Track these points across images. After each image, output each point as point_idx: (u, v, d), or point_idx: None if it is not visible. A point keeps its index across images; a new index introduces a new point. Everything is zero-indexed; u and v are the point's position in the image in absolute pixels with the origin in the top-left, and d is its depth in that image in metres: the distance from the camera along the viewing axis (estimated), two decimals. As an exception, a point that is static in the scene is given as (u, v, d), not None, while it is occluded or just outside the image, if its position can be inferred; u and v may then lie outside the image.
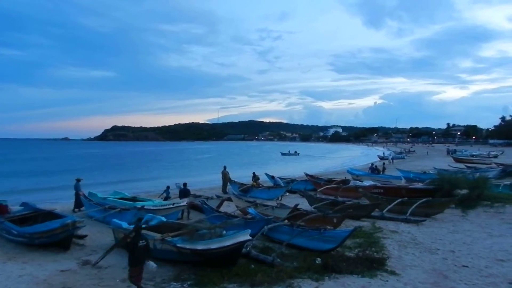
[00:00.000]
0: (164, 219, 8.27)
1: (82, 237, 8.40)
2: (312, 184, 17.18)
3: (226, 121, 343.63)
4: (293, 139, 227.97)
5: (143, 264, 5.30)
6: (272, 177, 18.86)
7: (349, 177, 19.65)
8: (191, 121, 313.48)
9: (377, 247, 7.27)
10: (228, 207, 12.19)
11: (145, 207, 9.91)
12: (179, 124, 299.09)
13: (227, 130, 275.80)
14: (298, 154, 65.25)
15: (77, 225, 7.82)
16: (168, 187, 13.56)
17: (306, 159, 54.18)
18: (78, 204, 12.36)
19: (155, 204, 10.74)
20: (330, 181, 17.51)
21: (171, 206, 10.55)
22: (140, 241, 5.31)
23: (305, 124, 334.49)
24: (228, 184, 17.40)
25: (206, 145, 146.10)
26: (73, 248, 7.83)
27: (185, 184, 12.53)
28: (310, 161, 51.05)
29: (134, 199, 12.24)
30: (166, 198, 13.01)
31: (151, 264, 5.37)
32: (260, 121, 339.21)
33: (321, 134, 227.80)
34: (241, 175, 20.89)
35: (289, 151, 68.46)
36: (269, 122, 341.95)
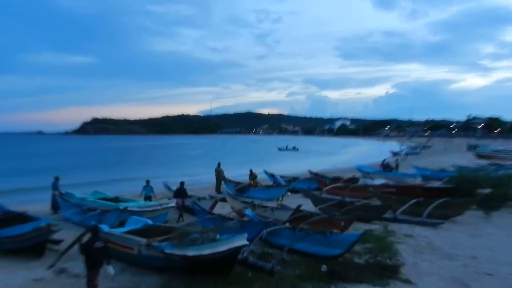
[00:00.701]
0: (150, 221, 8.25)
1: (58, 242, 8.30)
2: (316, 183, 17.24)
3: (220, 112, 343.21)
4: (295, 133, 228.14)
5: (100, 268, 5.45)
6: (272, 175, 18.91)
7: (358, 175, 19.70)
8: (181, 113, 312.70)
9: (390, 253, 7.25)
10: (222, 209, 12.17)
11: (128, 208, 9.86)
12: (168, 116, 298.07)
13: (221, 122, 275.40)
14: (297, 149, 65.49)
15: (52, 229, 7.78)
16: (147, 182, 13.38)
17: (310, 155, 54.30)
18: (55, 205, 12.28)
19: (140, 205, 10.73)
20: (336, 179, 17.56)
21: (158, 207, 10.54)
22: (97, 243, 5.47)
23: (308, 116, 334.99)
24: (223, 183, 17.44)
25: (198, 139, 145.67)
26: (47, 254, 7.75)
27: (182, 184, 12.41)
28: (314, 157, 51.09)
29: (116, 199, 12.19)
30: (148, 198, 12.98)
31: (109, 269, 5.49)
32: (258, 113, 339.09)
33: (327, 127, 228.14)
34: (237, 173, 20.81)
35: (287, 146, 68.60)
36: (268, 114, 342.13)
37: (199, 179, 22.48)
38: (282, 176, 18.83)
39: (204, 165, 35.42)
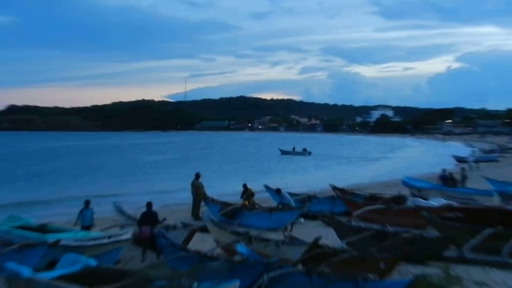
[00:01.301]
0: (93, 261, 8.24)
1: None
2: (343, 204, 17.29)
3: (199, 97, 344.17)
4: (311, 128, 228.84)
5: None
6: (277, 192, 18.79)
7: (405, 191, 19.78)
8: (140, 98, 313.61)
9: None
10: (202, 243, 12.21)
11: (62, 242, 9.87)
12: (121, 102, 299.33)
13: (201, 112, 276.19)
14: (310, 153, 66.21)
15: None
16: (87, 204, 13.51)
17: (332, 162, 54.49)
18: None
19: (78, 237, 10.75)
20: (373, 198, 17.62)
21: (106, 240, 10.58)
22: None
23: (331, 103, 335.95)
24: (202, 203, 17.48)
25: (167, 137, 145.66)
26: None
27: (149, 205, 12.53)
28: (339, 165, 51.19)
29: (43, 228, 12.21)
30: (86, 228, 13.12)
31: None
32: (256, 98, 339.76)
33: (358, 119, 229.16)
34: (225, 189, 20.80)
35: (293, 148, 69.10)
36: (272, 100, 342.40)
37: (168, 198, 22.60)
38: (292, 194, 18.72)
39: (175, 177, 35.12)
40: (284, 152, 67.94)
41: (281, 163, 53.14)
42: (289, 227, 14.83)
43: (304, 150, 67.88)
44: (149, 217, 12.21)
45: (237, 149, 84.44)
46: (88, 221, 13.39)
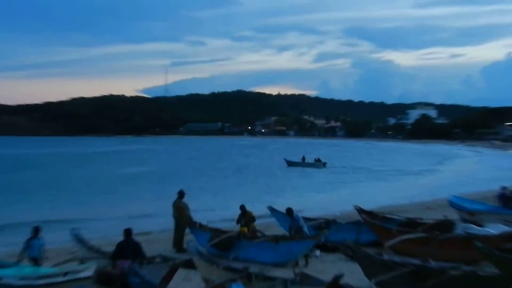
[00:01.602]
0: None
1: None
2: (372, 232, 17.25)
3: (183, 92, 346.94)
4: (329, 133, 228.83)
5: None
6: (288, 213, 18.52)
7: (453, 215, 19.75)
8: (107, 93, 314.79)
9: None
10: (187, 283, 12.24)
11: (3, 280, 9.90)
12: (82, 99, 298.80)
13: (186, 111, 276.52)
14: (325, 164, 66.60)
15: None
16: (36, 232, 13.51)
17: (357, 176, 54.52)
18: None
19: (24, 273, 10.75)
20: (411, 224, 17.55)
21: (61, 278, 10.56)
22: None
23: (356, 100, 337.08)
24: (188, 230, 17.49)
25: (142, 144, 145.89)
26: None
27: (128, 233, 12.59)
28: (367, 180, 51.16)
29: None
30: (35, 260, 13.10)
31: None
32: (258, 93, 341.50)
33: (392, 121, 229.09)
34: (217, 212, 20.61)
35: (303, 158, 69.80)
36: (278, 96, 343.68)
37: (143, 224, 22.54)
38: (304, 219, 18.43)
39: (153, 196, 35.24)
40: (290, 163, 67.91)
41: (287, 178, 53.03)
42: (301, 262, 14.76)
43: (317, 160, 67.89)
44: (128, 248, 12.15)
45: (233, 159, 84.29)
46: (37, 253, 13.33)
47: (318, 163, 66.98)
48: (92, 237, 16.91)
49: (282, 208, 19.78)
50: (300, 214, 18.20)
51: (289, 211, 17.47)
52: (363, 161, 78.33)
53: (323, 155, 71.61)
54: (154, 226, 21.55)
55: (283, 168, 63.90)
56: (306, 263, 14.97)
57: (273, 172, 59.52)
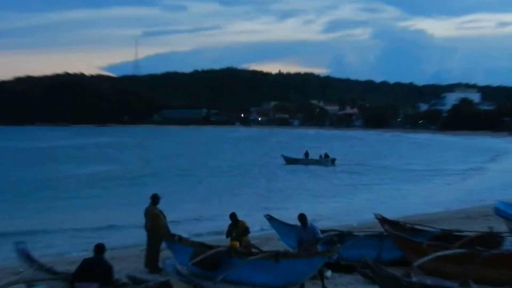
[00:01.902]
0: None
1: None
2: (397, 247, 17.16)
3: (158, 70, 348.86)
4: (344, 122, 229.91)
5: None
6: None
7: (500, 226, 19.87)
8: (61, 71, 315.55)
9: None
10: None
11: None
12: (29, 78, 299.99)
13: (162, 94, 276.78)
14: (334, 161, 69.52)
15: None
16: None
17: (378, 177, 55.20)
18: None
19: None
20: (447, 237, 17.39)
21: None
22: None
23: (378, 80, 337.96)
24: (164, 245, 17.28)
25: (106, 136, 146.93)
26: None
27: (100, 249, 12.41)
28: (391, 182, 51.57)
29: None
30: None
31: None
32: (253, 72, 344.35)
33: (423, 107, 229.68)
34: (201, 223, 20.67)
35: (306, 154, 72.44)
36: (280, 75, 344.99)
37: (109, 237, 22.87)
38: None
39: (120, 202, 35.77)
40: (289, 161, 69.32)
41: (290, 180, 54.33)
42: (314, 286, 14.60)
43: (324, 156, 69.40)
44: (96, 267, 12.01)
45: (224, 156, 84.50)
46: None
47: (325, 160, 67.57)
48: (43, 254, 16.79)
49: (283, 216, 19.94)
50: (315, 224, 17.89)
51: (302, 218, 17.04)
52: (387, 157, 78.67)
53: (335, 151, 71.77)
54: (122, 239, 21.69)
55: (285, 168, 64.11)
56: (323, 286, 14.59)
57: (273, 172, 59.88)
